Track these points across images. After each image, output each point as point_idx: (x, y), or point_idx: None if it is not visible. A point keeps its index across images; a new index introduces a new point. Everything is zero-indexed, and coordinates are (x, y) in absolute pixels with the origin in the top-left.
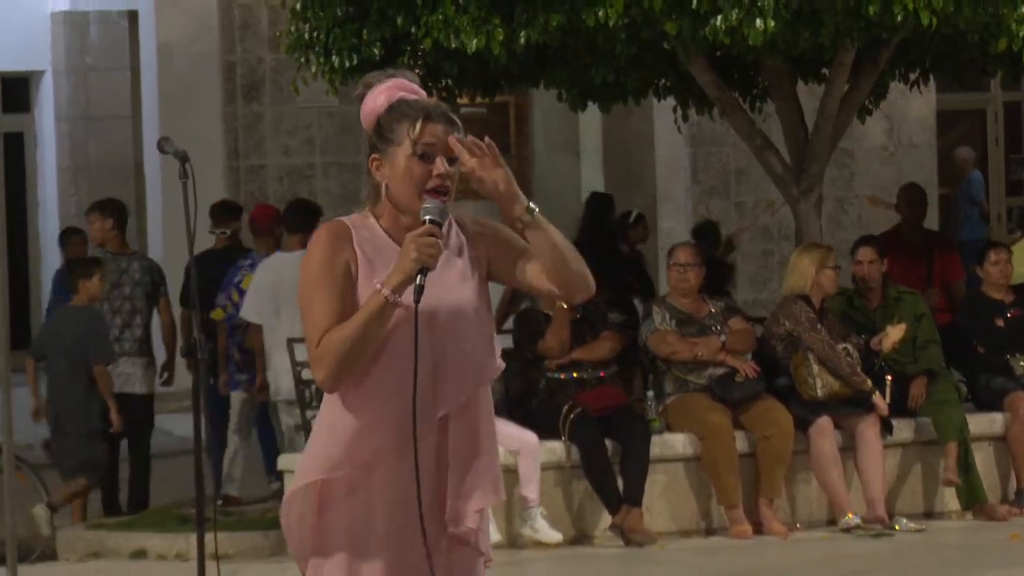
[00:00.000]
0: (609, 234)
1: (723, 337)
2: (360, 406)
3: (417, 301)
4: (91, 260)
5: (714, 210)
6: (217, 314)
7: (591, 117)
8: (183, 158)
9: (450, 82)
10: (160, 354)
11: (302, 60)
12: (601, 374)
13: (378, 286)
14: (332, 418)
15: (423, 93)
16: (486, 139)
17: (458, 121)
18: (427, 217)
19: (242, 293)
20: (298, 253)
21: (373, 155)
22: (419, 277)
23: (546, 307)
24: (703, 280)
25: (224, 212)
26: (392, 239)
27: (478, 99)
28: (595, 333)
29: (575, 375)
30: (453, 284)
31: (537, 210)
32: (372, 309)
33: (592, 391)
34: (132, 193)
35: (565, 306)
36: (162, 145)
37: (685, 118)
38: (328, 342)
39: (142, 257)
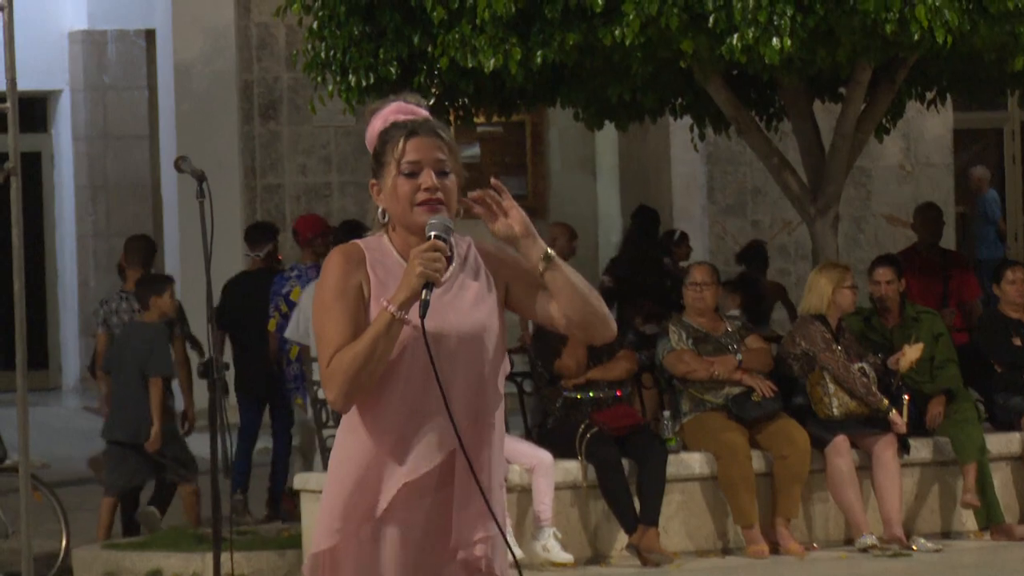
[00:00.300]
0: (654, 248)
1: (740, 356)
2: (373, 431)
3: (423, 316)
4: (163, 277)
5: (730, 229)
6: (271, 324)
7: (607, 136)
8: (200, 177)
9: (467, 101)
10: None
11: (319, 79)
12: (617, 393)
13: (384, 303)
14: (345, 453)
15: (422, 113)
16: (492, 182)
17: (444, 135)
18: (431, 232)
19: (291, 304)
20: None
21: (372, 180)
22: (424, 292)
23: None
24: (752, 305)
25: (259, 234)
26: (404, 259)
27: (495, 118)
28: (611, 352)
29: (591, 394)
30: (466, 307)
31: (554, 254)
32: (379, 326)
33: (608, 410)
34: (149, 212)
35: None
36: (179, 164)
37: (702, 137)
38: (338, 361)
39: None
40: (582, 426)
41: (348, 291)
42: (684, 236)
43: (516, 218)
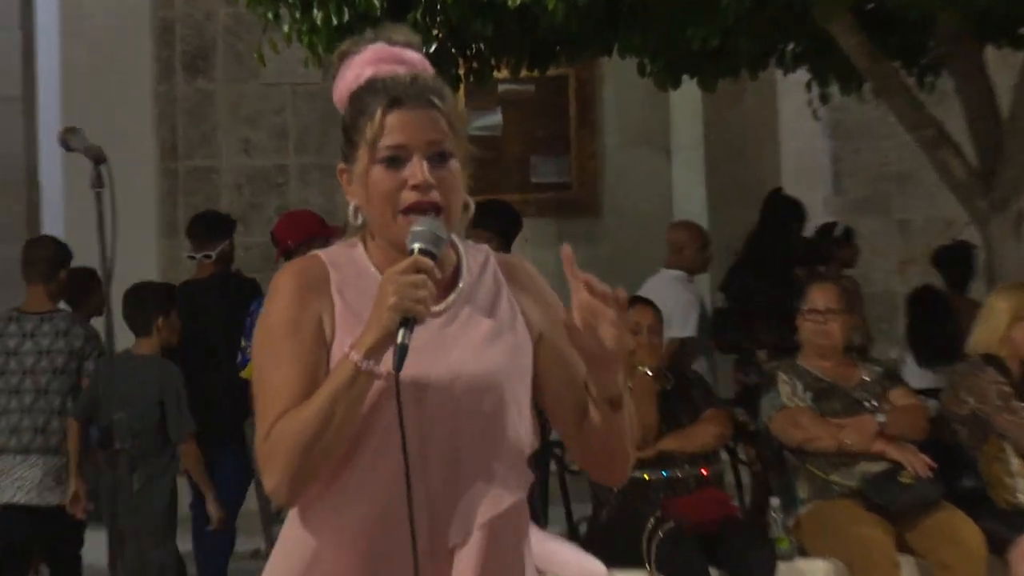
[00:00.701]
0: (796, 252)
1: (882, 417)
2: (327, 529)
3: (398, 368)
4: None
5: (865, 231)
6: (248, 372)
7: (687, 98)
8: (97, 157)
9: (483, 48)
10: None
11: (269, 15)
12: (702, 472)
13: (347, 349)
14: (285, 561)
15: (413, 60)
16: (619, 292)
17: (441, 100)
18: (414, 245)
19: None
20: None
21: (340, 164)
22: (401, 332)
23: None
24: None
25: (209, 229)
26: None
27: (524, 72)
28: (694, 412)
29: (665, 473)
30: (477, 343)
31: (627, 399)
32: (339, 382)
33: (689, 497)
34: (23, 206)
35: (649, 372)
36: (66, 139)
37: (824, 99)
38: (280, 434)
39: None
40: (651, 520)
41: (302, 326)
42: (848, 232)
43: (616, 334)
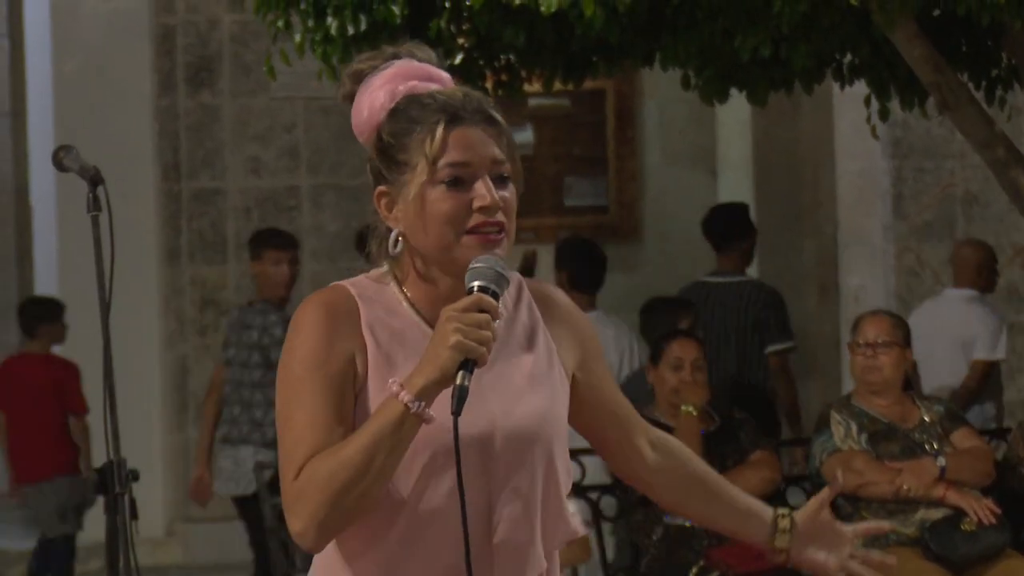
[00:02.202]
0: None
1: (942, 461)
2: None
3: (457, 412)
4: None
5: (929, 259)
6: None
7: (735, 113)
8: (93, 178)
9: (513, 59)
10: None
11: (279, 24)
12: None
13: (395, 387)
14: None
15: (446, 79)
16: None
17: (501, 118)
18: (475, 283)
19: None
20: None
21: (379, 187)
22: (460, 375)
23: (663, 413)
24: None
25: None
26: (423, 317)
27: (557, 85)
28: (740, 454)
29: None
30: (517, 390)
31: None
32: (384, 423)
33: (734, 546)
34: (11, 231)
35: (693, 411)
36: (60, 158)
37: (884, 115)
38: (312, 473)
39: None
40: (694, 569)
41: (331, 363)
42: None
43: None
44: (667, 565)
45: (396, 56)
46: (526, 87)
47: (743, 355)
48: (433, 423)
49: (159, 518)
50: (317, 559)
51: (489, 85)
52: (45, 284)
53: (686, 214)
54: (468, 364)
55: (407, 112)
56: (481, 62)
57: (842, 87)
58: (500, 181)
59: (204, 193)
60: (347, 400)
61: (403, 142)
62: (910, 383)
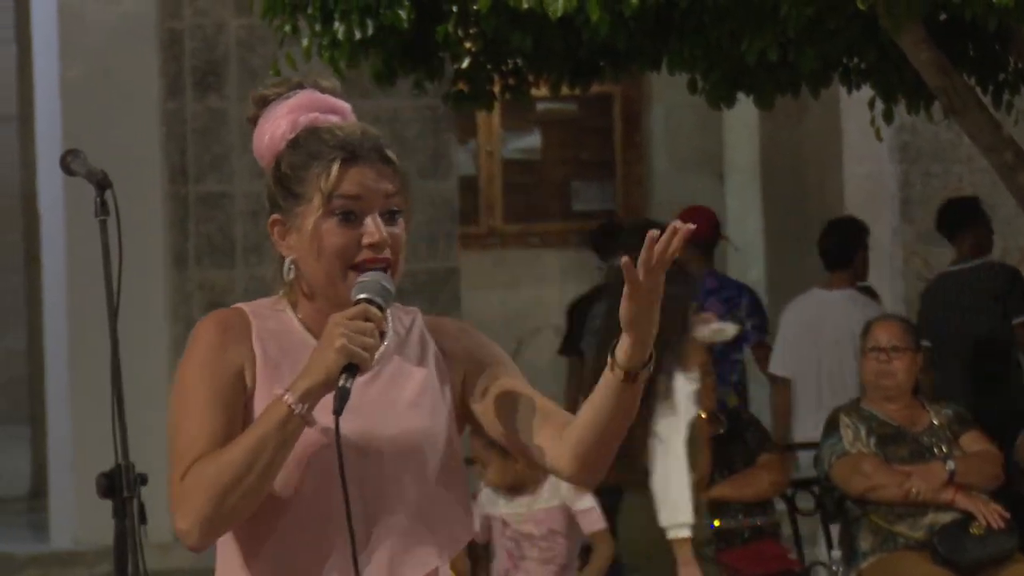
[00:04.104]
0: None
1: (951, 464)
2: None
3: (338, 412)
4: None
5: (937, 263)
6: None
7: (742, 117)
8: (101, 182)
9: (520, 63)
10: None
11: (287, 28)
12: (758, 522)
13: (279, 391)
14: None
15: (346, 110)
16: (676, 226)
17: (393, 155)
18: (361, 295)
19: None
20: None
21: (274, 215)
22: (343, 377)
23: None
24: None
25: (609, 237)
26: (313, 335)
27: (565, 90)
28: (749, 457)
29: (716, 523)
30: (404, 406)
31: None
32: (268, 425)
33: (744, 549)
34: (19, 236)
35: (703, 414)
36: (68, 163)
37: (888, 118)
38: (198, 474)
39: None
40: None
41: (220, 374)
42: None
43: (641, 308)
44: (676, 569)
45: (300, 86)
46: (533, 91)
47: (991, 330)
48: (316, 427)
49: (168, 523)
50: (218, 561)
51: (496, 89)
52: (53, 288)
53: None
54: (352, 368)
55: (306, 146)
56: (488, 66)
57: (849, 91)
58: (391, 217)
59: (211, 197)
60: (236, 409)
61: (300, 175)
62: (919, 387)
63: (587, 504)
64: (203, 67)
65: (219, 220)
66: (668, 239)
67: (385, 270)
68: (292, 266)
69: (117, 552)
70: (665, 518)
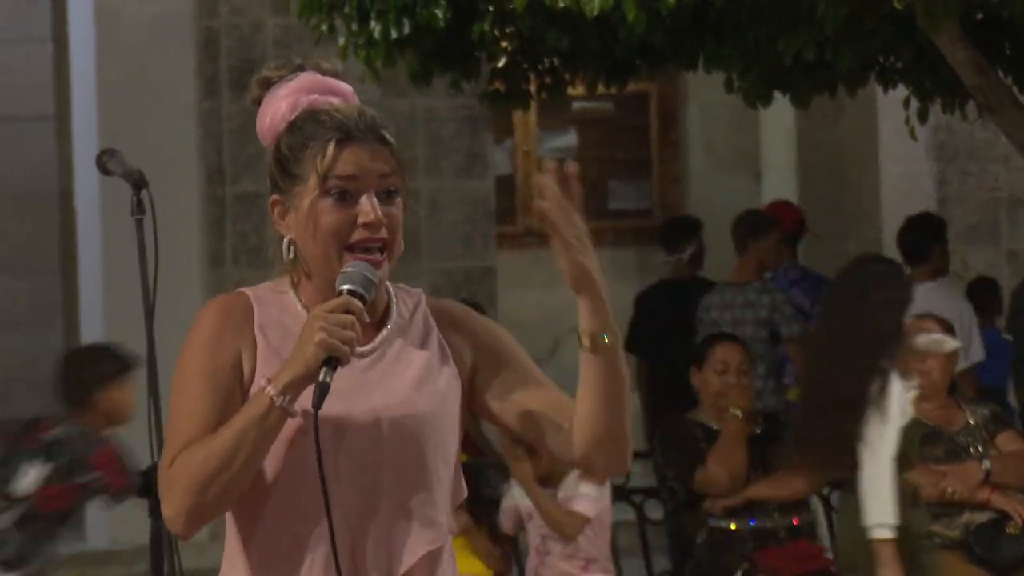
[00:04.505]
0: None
1: (987, 464)
2: (255, 565)
3: (317, 407)
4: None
5: (973, 262)
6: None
7: (779, 116)
8: (137, 182)
9: (556, 63)
10: None
11: (323, 28)
12: (794, 522)
13: (263, 383)
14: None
15: (347, 92)
16: (568, 165)
17: (391, 135)
18: (344, 286)
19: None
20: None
21: (273, 195)
22: (323, 371)
23: (708, 416)
24: None
25: (679, 232)
26: None
27: (601, 88)
28: (785, 457)
29: (753, 523)
30: (403, 387)
31: (616, 333)
32: (251, 416)
33: (780, 548)
34: (55, 236)
35: (740, 414)
36: (105, 162)
37: (923, 117)
38: (184, 462)
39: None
40: (739, 573)
41: (218, 360)
42: None
43: (573, 258)
44: (711, 568)
45: (302, 68)
46: (569, 90)
47: None
48: (301, 414)
49: None
50: (225, 546)
51: (532, 88)
52: (89, 287)
53: (730, 217)
54: (331, 361)
55: (304, 128)
56: (524, 66)
57: (885, 90)
58: (387, 196)
59: (247, 197)
60: (232, 395)
61: (298, 156)
62: (955, 386)
63: (586, 491)
64: (239, 66)
65: (255, 220)
66: (559, 180)
67: (381, 250)
68: (291, 246)
69: (153, 551)
70: (868, 518)
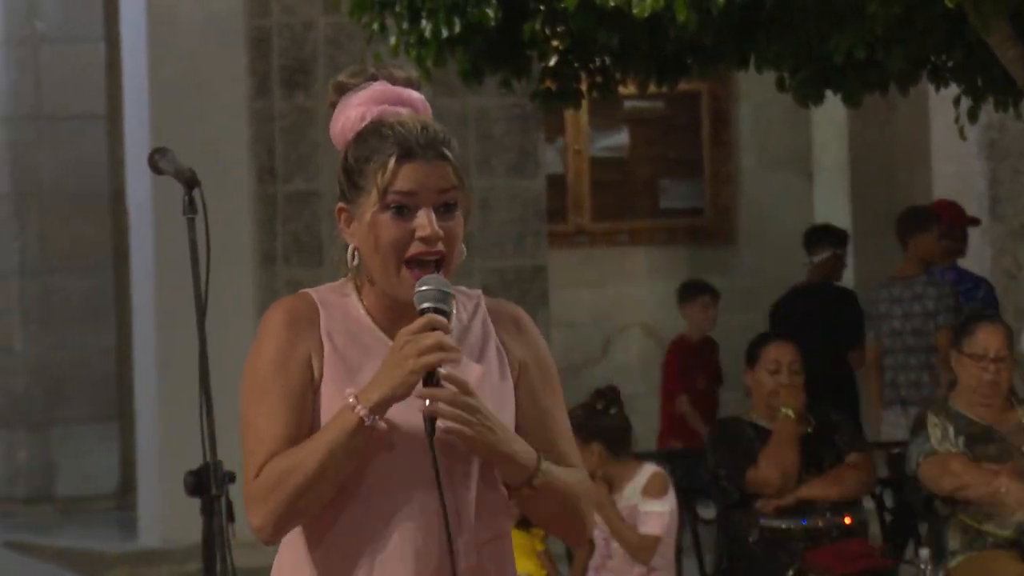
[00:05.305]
0: None
1: None
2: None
3: (430, 432)
4: None
5: None
6: None
7: (831, 115)
8: (189, 181)
9: (607, 62)
10: None
11: (374, 27)
12: (846, 520)
13: (351, 399)
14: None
15: (418, 102)
16: (463, 397)
17: (452, 151)
18: (424, 305)
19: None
20: None
21: (340, 203)
22: (426, 403)
23: (760, 416)
24: None
25: (822, 238)
26: (378, 325)
27: (652, 88)
28: (836, 456)
29: (805, 522)
30: (481, 391)
31: (546, 463)
32: (339, 433)
33: (831, 547)
34: (108, 236)
35: (792, 413)
36: (156, 160)
37: (973, 116)
38: (270, 474)
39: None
40: (791, 572)
41: (291, 366)
42: None
43: (477, 441)
44: (764, 567)
45: (375, 77)
46: (621, 90)
47: None
48: (381, 430)
49: None
50: (280, 546)
51: (584, 87)
52: (141, 287)
53: (782, 216)
54: (431, 377)
55: (368, 141)
56: (576, 64)
57: (937, 89)
58: (445, 210)
59: (299, 196)
60: (306, 403)
61: (362, 168)
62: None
63: (653, 508)
64: (291, 65)
65: (306, 219)
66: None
67: (438, 264)
68: (355, 253)
69: (205, 550)
70: None
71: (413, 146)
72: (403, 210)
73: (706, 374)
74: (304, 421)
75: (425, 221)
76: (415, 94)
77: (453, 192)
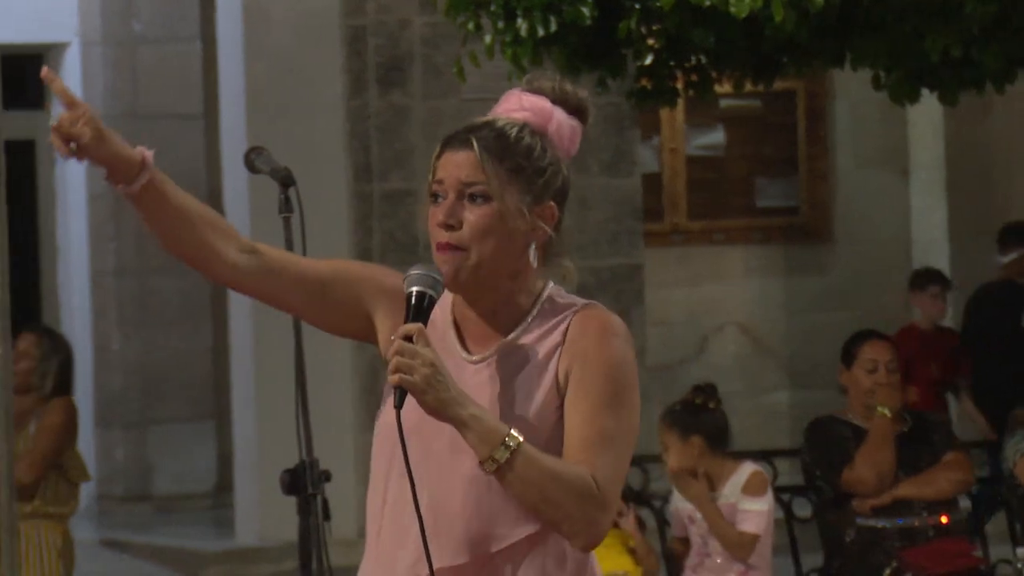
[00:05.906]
0: None
1: None
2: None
3: (398, 405)
4: None
5: None
6: None
7: (927, 114)
8: (285, 180)
9: (704, 60)
10: None
11: (470, 26)
12: (943, 519)
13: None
14: None
15: (537, 108)
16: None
17: (496, 147)
18: (411, 289)
19: None
20: None
21: None
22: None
23: (856, 415)
24: None
25: (1013, 237)
26: (455, 318)
27: (748, 86)
28: (933, 456)
29: (901, 522)
30: (493, 410)
31: (518, 443)
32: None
33: (928, 546)
34: None
35: (888, 413)
36: (252, 159)
37: None
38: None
39: None
40: (887, 571)
41: None
42: None
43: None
44: (859, 566)
45: (529, 82)
46: (717, 88)
47: None
48: (391, 420)
49: (352, 519)
50: None
51: (680, 86)
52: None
53: (878, 215)
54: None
55: None
56: (672, 63)
57: None
58: (472, 199)
59: (395, 194)
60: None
61: None
62: None
63: (752, 506)
64: (387, 64)
65: (402, 217)
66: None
67: (457, 250)
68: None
69: (301, 548)
70: None
71: (453, 138)
72: (437, 198)
73: (939, 365)
74: None
75: (440, 209)
76: (539, 101)
77: (480, 186)
